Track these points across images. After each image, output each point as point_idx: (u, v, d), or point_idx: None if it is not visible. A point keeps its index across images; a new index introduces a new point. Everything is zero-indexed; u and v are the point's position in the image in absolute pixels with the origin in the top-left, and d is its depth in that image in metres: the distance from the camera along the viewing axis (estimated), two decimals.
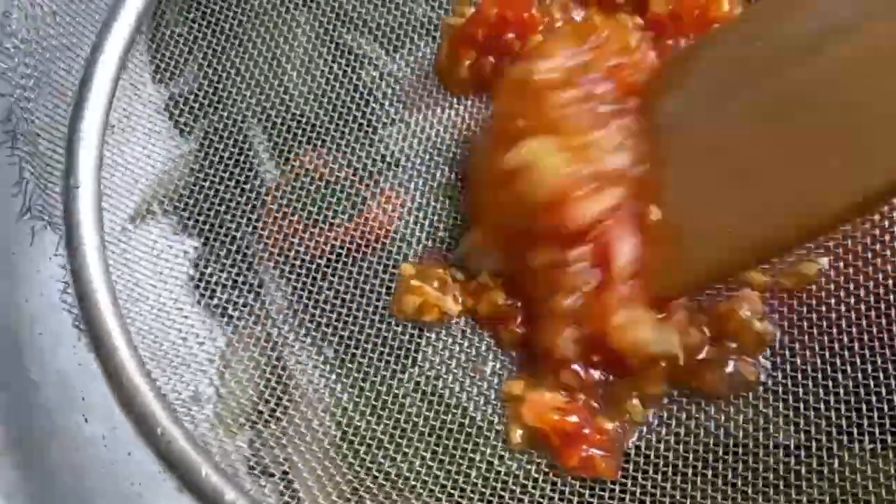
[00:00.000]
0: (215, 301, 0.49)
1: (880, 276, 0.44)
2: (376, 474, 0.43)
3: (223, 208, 0.50)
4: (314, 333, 0.47)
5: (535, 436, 0.43)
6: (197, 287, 0.49)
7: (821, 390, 0.43)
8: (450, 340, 0.47)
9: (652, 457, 0.43)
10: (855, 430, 0.42)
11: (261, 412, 0.46)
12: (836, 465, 0.41)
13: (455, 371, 0.46)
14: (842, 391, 0.43)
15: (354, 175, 0.51)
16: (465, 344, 0.47)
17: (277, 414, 0.46)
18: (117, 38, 0.47)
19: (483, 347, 0.46)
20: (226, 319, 0.48)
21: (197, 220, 0.50)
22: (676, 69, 0.47)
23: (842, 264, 0.45)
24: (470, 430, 0.44)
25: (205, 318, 0.48)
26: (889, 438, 0.41)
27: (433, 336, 0.47)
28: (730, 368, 0.43)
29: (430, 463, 0.43)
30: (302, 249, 0.49)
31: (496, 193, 0.46)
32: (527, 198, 0.43)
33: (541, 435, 0.43)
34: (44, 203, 0.47)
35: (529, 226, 0.44)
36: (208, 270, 0.49)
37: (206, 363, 0.47)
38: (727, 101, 0.43)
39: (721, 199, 0.42)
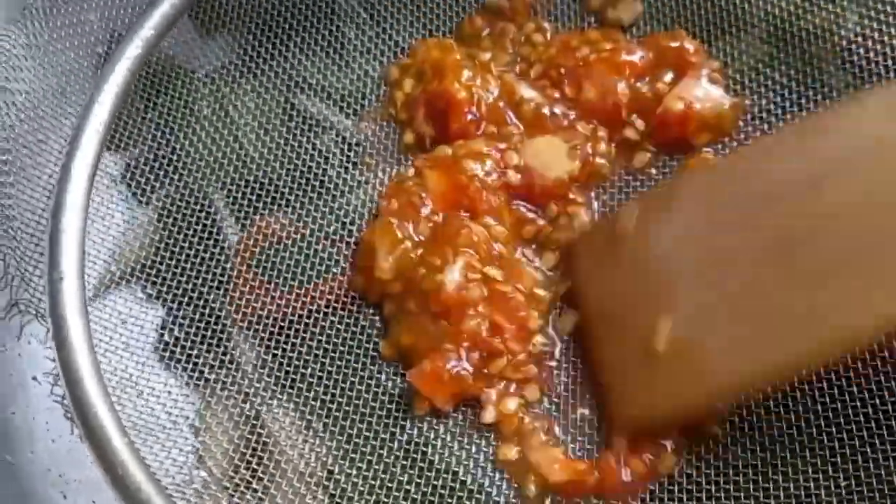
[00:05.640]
0: (191, 370, 0.49)
1: None
2: None
3: (189, 273, 0.51)
4: (296, 399, 0.48)
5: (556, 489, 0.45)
6: (171, 356, 0.49)
7: None
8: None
9: None
10: None
11: (249, 484, 0.46)
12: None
13: (444, 437, 0.47)
14: None
15: (316, 237, 0.52)
16: (451, 410, 0.48)
17: (266, 483, 0.46)
18: (91, 136, 0.48)
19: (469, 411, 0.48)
20: (203, 388, 0.49)
21: (163, 287, 0.51)
22: (671, 198, 0.48)
23: None
24: (461, 494, 0.45)
25: (185, 389, 0.49)
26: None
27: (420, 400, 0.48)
28: None
29: None
30: (273, 310, 0.50)
31: None
32: None
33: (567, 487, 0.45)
34: (29, 297, 0.48)
35: None
36: (180, 337, 0.49)
37: (192, 436, 0.48)
38: (723, 234, 0.44)
39: (720, 328, 0.43)
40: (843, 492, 0.43)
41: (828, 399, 0.45)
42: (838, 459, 0.43)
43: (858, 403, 0.44)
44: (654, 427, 0.45)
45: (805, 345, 0.40)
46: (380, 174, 0.55)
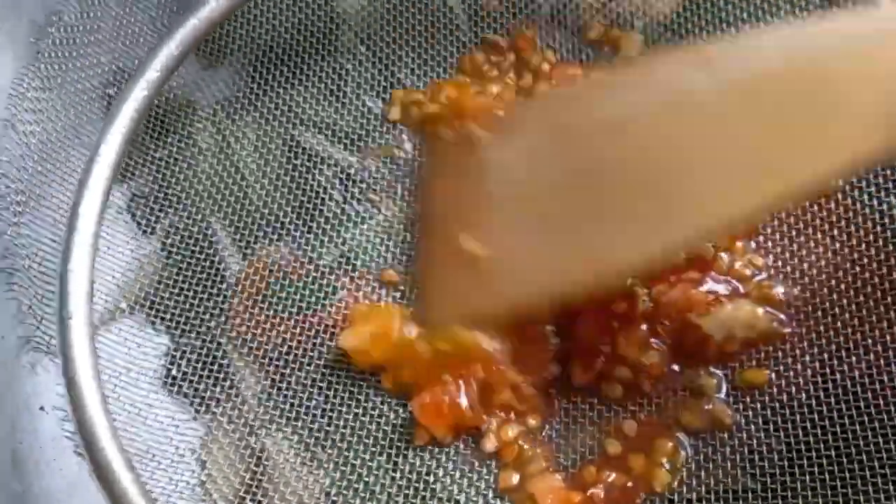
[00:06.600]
0: (197, 401, 0.50)
1: None
2: None
3: (193, 303, 0.52)
4: (300, 431, 0.49)
5: None
6: (177, 388, 0.50)
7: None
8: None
9: None
10: None
11: None
12: None
13: (446, 465, 0.47)
14: None
15: (317, 271, 0.53)
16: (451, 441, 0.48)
17: None
18: (99, 177, 0.49)
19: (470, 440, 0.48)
20: (210, 420, 0.50)
21: (167, 318, 0.52)
22: (517, 118, 0.53)
23: None
24: None
25: (190, 422, 0.50)
26: None
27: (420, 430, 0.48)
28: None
29: None
30: (275, 340, 0.51)
31: None
32: None
33: None
34: (42, 333, 0.49)
35: None
36: (186, 369, 0.50)
37: (197, 468, 0.48)
38: (549, 158, 0.48)
39: (528, 241, 0.47)
40: None
41: None
42: None
43: None
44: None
45: (590, 266, 0.45)
46: (384, 210, 0.56)
